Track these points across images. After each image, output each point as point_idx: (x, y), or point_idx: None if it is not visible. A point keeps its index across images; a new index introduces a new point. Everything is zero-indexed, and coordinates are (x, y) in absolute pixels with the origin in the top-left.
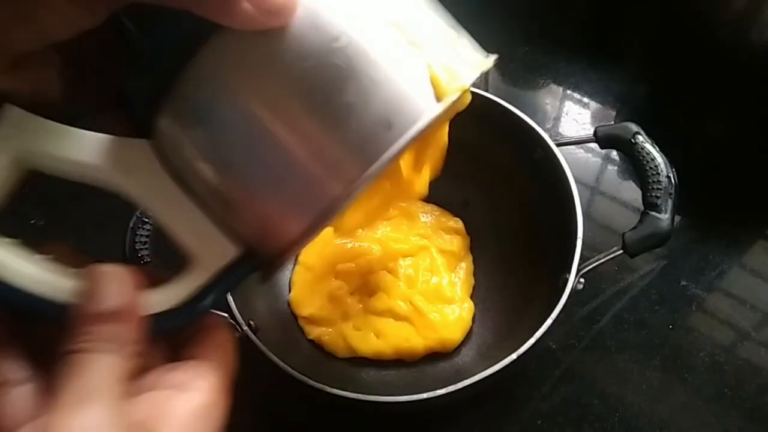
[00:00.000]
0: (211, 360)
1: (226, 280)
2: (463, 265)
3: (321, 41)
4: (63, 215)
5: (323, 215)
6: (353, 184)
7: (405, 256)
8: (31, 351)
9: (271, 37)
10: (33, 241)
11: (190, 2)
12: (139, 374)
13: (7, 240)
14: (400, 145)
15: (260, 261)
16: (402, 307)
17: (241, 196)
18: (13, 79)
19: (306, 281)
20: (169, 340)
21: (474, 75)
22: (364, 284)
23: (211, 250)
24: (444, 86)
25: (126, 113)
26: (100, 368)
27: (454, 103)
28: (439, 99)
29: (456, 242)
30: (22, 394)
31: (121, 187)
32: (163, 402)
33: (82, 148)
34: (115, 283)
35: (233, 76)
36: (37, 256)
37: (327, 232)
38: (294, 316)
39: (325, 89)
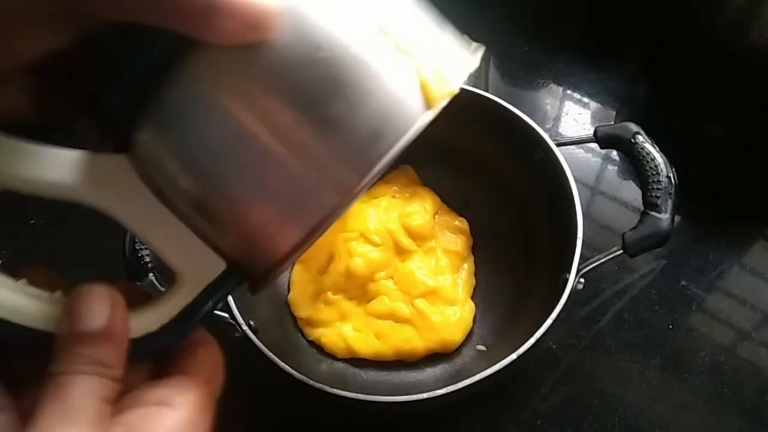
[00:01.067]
0: (194, 375)
1: (213, 296)
2: (465, 266)
3: (304, 52)
4: (63, 215)
5: (313, 230)
6: (343, 197)
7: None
8: (4, 381)
9: (253, 50)
10: (7, 267)
11: (167, 19)
12: (118, 396)
13: None
14: (389, 157)
15: (248, 274)
16: (404, 309)
17: (227, 212)
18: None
19: (305, 283)
20: (152, 357)
21: (463, 77)
22: (363, 293)
23: (197, 266)
24: (434, 92)
25: (104, 127)
26: (82, 389)
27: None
28: (429, 105)
29: (460, 242)
30: None
31: (99, 204)
32: (142, 420)
33: (57, 168)
34: (101, 303)
35: (215, 90)
36: (13, 282)
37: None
38: (294, 317)
39: (311, 102)
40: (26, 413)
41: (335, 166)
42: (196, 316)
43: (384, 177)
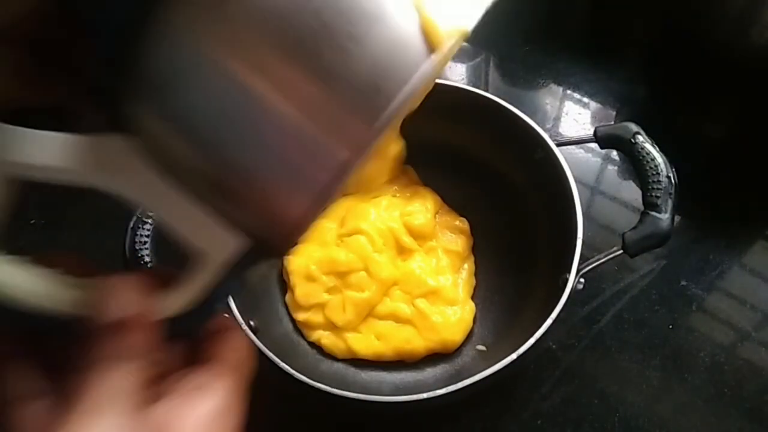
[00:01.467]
0: (226, 362)
1: (235, 270)
2: (466, 266)
3: None
4: (63, 215)
5: (327, 188)
6: (352, 152)
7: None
8: (44, 366)
9: None
10: (36, 252)
11: None
12: (156, 380)
13: (8, 256)
14: (391, 111)
15: (267, 246)
16: (405, 310)
17: (232, 179)
18: None
19: (303, 285)
20: (185, 344)
21: (477, 11)
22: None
23: (215, 243)
24: (438, 32)
25: (98, 104)
26: (115, 377)
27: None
28: (433, 47)
29: (460, 242)
30: (36, 410)
31: (106, 187)
32: (178, 405)
33: (58, 152)
34: (124, 293)
35: (201, 45)
36: (41, 269)
37: (326, 237)
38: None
39: (301, 54)
40: (65, 399)
41: (340, 117)
42: (220, 293)
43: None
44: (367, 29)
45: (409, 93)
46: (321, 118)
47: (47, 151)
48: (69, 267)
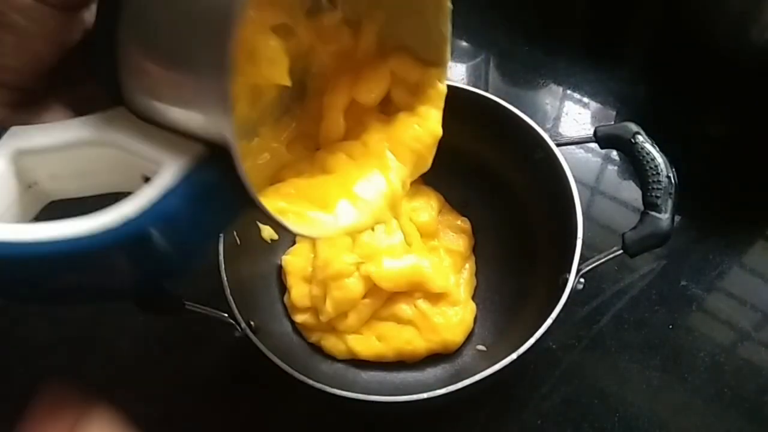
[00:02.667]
0: None
1: (193, 178)
2: (467, 266)
3: None
4: (63, 216)
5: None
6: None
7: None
8: None
9: None
10: None
11: None
12: None
13: None
14: None
15: (224, 153)
16: (406, 311)
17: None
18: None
19: (299, 287)
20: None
21: None
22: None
23: (174, 151)
24: None
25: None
26: None
27: None
28: None
29: (462, 242)
30: None
31: (116, 142)
32: None
33: (70, 130)
34: None
35: None
36: None
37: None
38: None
39: None
40: None
41: None
42: (176, 196)
43: None
44: None
45: None
46: None
47: (65, 130)
48: None
